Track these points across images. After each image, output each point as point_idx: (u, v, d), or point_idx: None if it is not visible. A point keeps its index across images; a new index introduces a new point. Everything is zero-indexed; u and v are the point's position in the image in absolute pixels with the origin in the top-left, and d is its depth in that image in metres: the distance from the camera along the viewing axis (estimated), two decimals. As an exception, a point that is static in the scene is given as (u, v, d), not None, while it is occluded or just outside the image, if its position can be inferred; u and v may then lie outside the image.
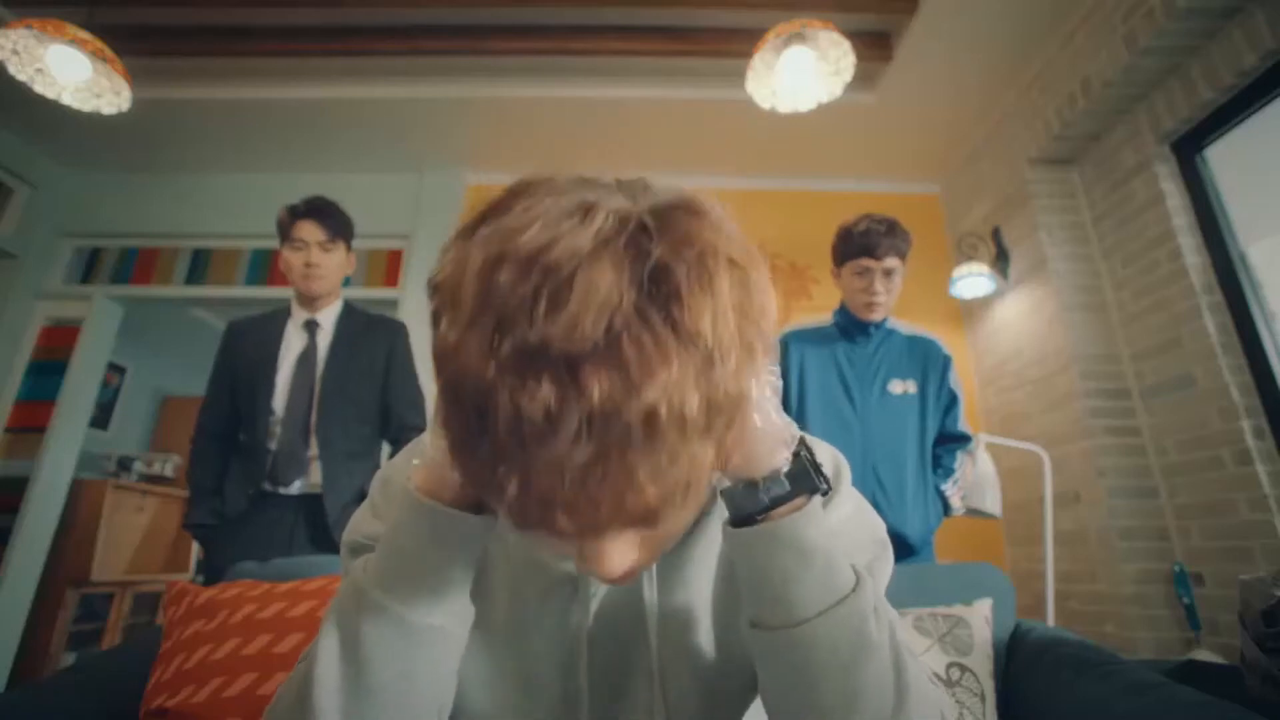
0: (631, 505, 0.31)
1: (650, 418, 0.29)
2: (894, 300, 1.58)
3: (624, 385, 0.29)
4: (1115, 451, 2.14)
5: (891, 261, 1.54)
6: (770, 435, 0.40)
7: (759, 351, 0.34)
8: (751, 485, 0.41)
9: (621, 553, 0.36)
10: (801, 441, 0.43)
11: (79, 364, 2.96)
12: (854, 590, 0.41)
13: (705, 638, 0.50)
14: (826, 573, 0.40)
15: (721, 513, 0.46)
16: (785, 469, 0.41)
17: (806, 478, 0.41)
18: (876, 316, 1.58)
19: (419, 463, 0.43)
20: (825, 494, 0.43)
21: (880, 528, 0.54)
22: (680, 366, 0.30)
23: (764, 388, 0.40)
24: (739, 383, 0.33)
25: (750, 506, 0.41)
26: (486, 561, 0.51)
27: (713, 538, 0.51)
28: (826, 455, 0.55)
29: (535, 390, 0.29)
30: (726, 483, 0.42)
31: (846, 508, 0.52)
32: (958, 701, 0.98)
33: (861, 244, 1.54)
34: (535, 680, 0.49)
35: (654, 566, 0.50)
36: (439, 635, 0.41)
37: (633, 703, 0.49)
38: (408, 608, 0.40)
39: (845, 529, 0.51)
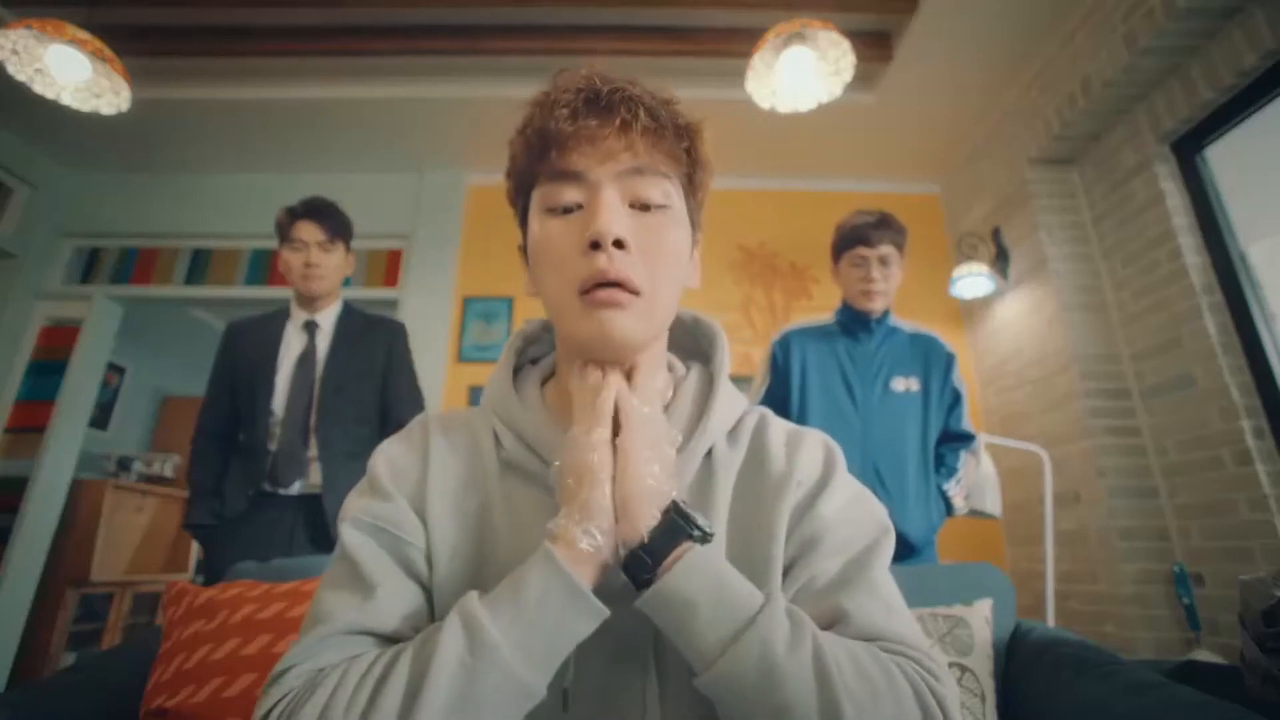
0: (620, 121, 0.50)
1: (652, 96, 0.52)
2: (893, 290, 1.58)
3: (632, 83, 0.52)
4: (1115, 451, 2.14)
5: (886, 249, 1.55)
6: (648, 497, 0.46)
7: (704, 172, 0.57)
8: (635, 552, 0.45)
9: (614, 209, 0.50)
10: (674, 502, 0.46)
11: (79, 364, 2.96)
12: (749, 622, 0.42)
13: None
14: (714, 616, 0.42)
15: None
16: (653, 527, 0.45)
17: (676, 531, 0.45)
18: (875, 306, 1.57)
19: (558, 535, 0.45)
20: (704, 540, 0.45)
21: (881, 512, 0.55)
22: (664, 107, 0.53)
23: (656, 449, 0.48)
24: (698, 141, 0.54)
25: (640, 571, 0.45)
26: (489, 532, 0.52)
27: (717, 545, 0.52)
28: (816, 442, 0.58)
29: (574, 77, 0.52)
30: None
31: (841, 497, 0.54)
32: (958, 701, 0.98)
33: (854, 235, 1.58)
34: None
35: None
36: (540, 694, 0.42)
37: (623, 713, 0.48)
38: (536, 674, 0.42)
39: (844, 516, 0.52)
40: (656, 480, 0.47)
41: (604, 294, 0.49)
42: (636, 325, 0.50)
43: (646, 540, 0.45)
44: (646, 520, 0.45)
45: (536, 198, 0.53)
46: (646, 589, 0.44)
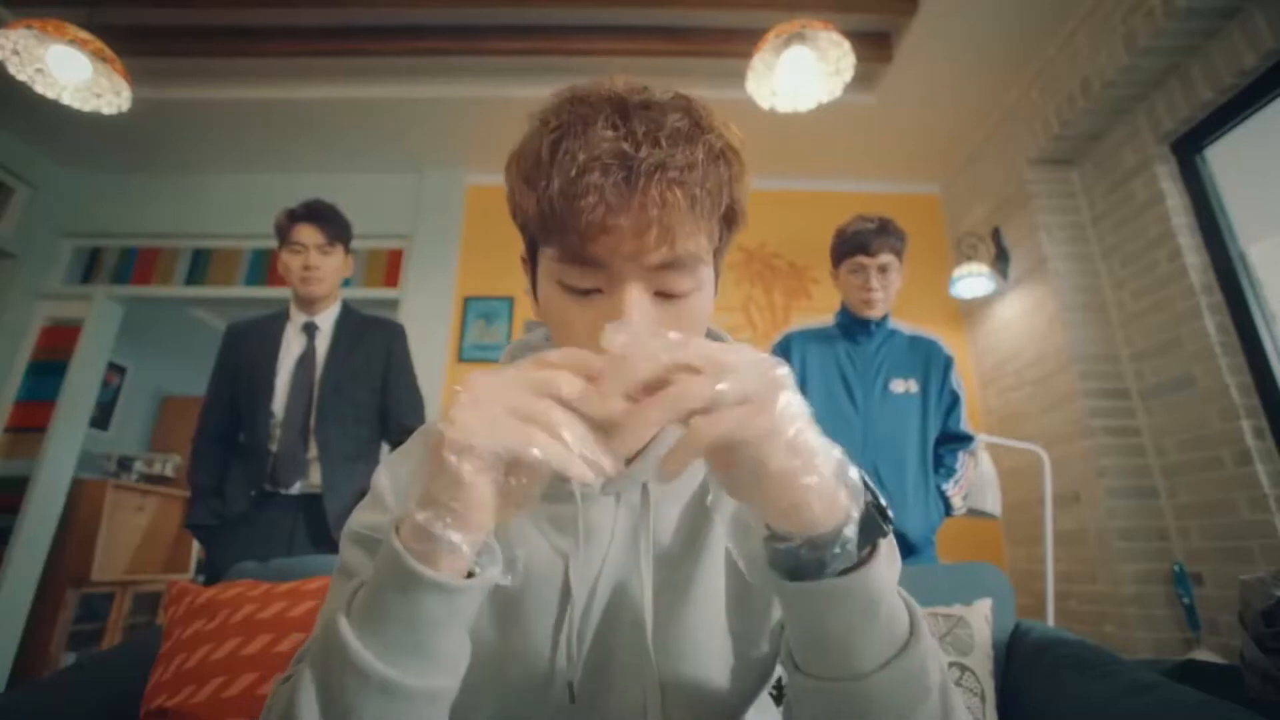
0: (657, 212, 0.42)
1: (673, 138, 0.43)
2: (892, 297, 1.59)
3: (658, 117, 0.43)
4: (1115, 451, 2.14)
5: (885, 258, 1.56)
6: (831, 486, 0.36)
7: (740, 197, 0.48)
8: (815, 545, 0.36)
9: (640, 309, 0.44)
10: (866, 483, 0.39)
11: (79, 364, 2.96)
12: (912, 634, 0.39)
13: (711, 643, 0.50)
14: (889, 622, 0.39)
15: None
16: (853, 527, 0.36)
17: (875, 527, 0.39)
18: (875, 313, 1.58)
19: (397, 516, 0.38)
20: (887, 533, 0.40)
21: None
22: (693, 124, 0.44)
23: (798, 421, 0.36)
24: (737, 190, 0.46)
25: (816, 566, 0.37)
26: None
27: (716, 553, 0.52)
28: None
29: (594, 115, 0.44)
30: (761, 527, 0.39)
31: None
32: (958, 701, 0.98)
33: (854, 242, 1.58)
34: (529, 665, 0.49)
35: (651, 580, 0.50)
36: (428, 695, 0.37)
37: (621, 699, 0.49)
38: (398, 670, 0.36)
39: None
40: (829, 456, 0.36)
41: None
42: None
43: (836, 540, 0.36)
44: (842, 511, 0.36)
45: (549, 264, 0.47)
46: (809, 579, 0.37)
